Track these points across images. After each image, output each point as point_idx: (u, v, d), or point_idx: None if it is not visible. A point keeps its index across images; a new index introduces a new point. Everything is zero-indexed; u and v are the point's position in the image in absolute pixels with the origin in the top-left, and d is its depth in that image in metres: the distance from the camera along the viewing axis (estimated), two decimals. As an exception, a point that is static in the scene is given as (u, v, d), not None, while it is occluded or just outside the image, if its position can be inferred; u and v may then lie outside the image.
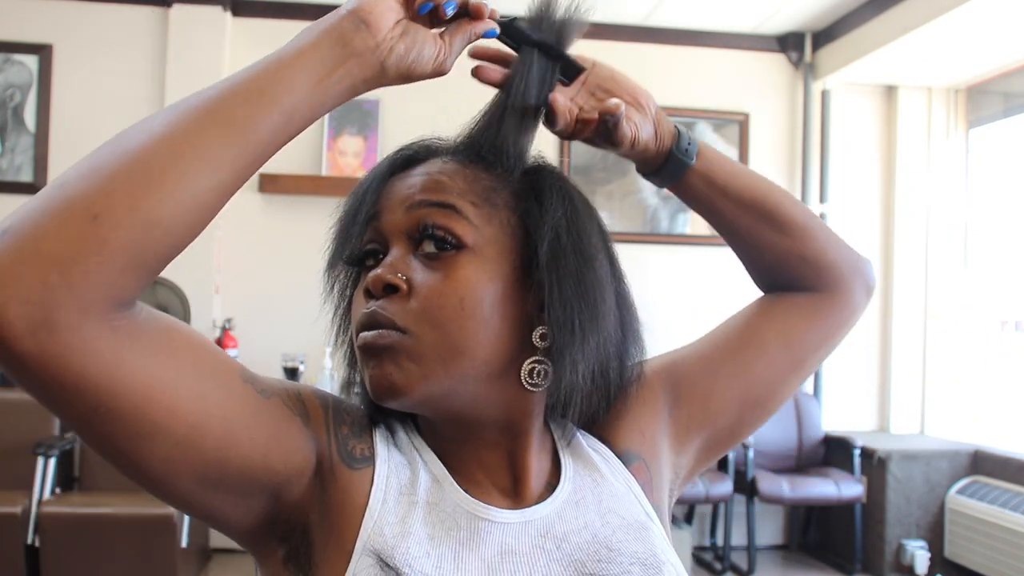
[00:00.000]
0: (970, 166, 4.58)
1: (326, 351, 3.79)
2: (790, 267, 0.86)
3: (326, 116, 4.31)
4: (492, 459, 0.73)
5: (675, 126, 0.83)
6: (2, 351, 0.51)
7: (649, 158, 0.82)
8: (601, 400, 0.75)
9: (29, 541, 3.32)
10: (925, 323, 4.58)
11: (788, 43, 4.61)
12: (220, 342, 4.13)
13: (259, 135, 0.59)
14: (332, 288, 0.77)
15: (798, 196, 4.64)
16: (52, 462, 3.49)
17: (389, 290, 0.68)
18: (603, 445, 0.79)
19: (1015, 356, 4.44)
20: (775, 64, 4.67)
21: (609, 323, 0.72)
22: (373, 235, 0.72)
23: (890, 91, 4.65)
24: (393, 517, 0.67)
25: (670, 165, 0.82)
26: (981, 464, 4.05)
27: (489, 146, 0.73)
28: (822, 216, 4.56)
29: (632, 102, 0.79)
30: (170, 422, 0.57)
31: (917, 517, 4.08)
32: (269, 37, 4.37)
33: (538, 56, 0.75)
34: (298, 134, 0.63)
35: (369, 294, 0.69)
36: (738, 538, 4.28)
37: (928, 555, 4.01)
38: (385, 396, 0.68)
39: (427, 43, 0.67)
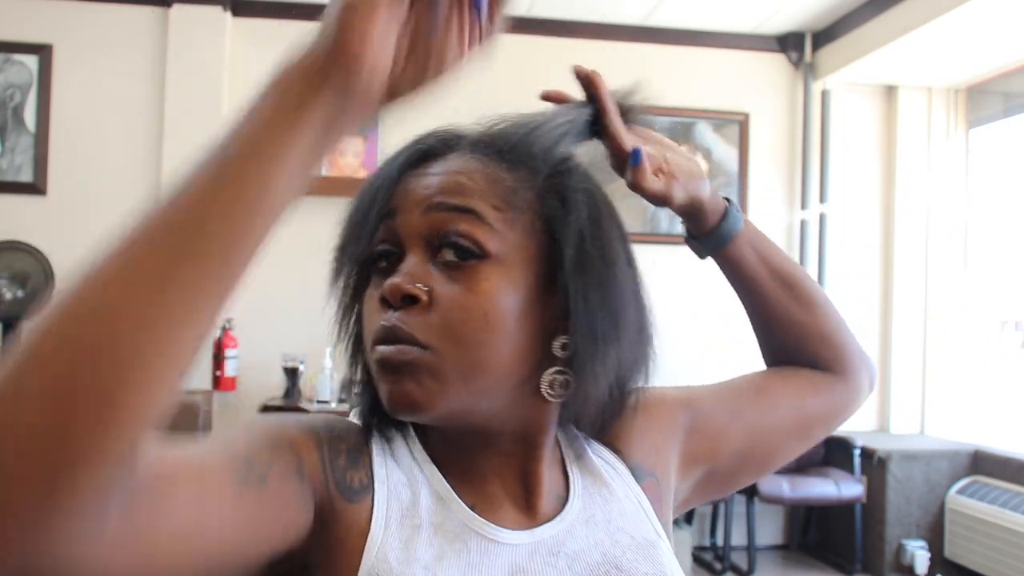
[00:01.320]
0: (970, 166, 4.58)
1: (326, 351, 3.79)
2: (810, 345, 0.89)
3: (326, 116, 4.33)
4: (505, 469, 0.71)
5: (725, 197, 0.86)
6: None
7: (703, 216, 0.84)
8: (616, 409, 0.74)
9: (29, 541, 3.32)
10: (925, 323, 4.58)
11: (788, 43, 4.61)
12: (220, 342, 4.13)
13: (245, 255, 0.46)
14: (338, 284, 0.73)
15: (798, 196, 4.64)
16: (52, 462, 3.48)
17: (409, 301, 0.64)
18: (614, 456, 0.78)
19: (1015, 356, 4.44)
20: (775, 64, 4.67)
21: (631, 331, 0.70)
22: (387, 235, 0.68)
23: (890, 91, 4.65)
24: (396, 542, 0.64)
25: (725, 224, 0.85)
26: (981, 464, 4.05)
27: (517, 146, 0.69)
28: (822, 217, 4.56)
29: (676, 151, 0.81)
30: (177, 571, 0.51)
31: (917, 517, 4.08)
32: (269, 37, 4.37)
33: (591, 113, 0.76)
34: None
35: (386, 302, 0.65)
36: (738, 538, 4.28)
37: (928, 555, 4.01)
38: (403, 412, 0.65)
39: (446, 47, 0.53)
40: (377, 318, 0.66)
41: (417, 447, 0.71)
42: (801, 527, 4.56)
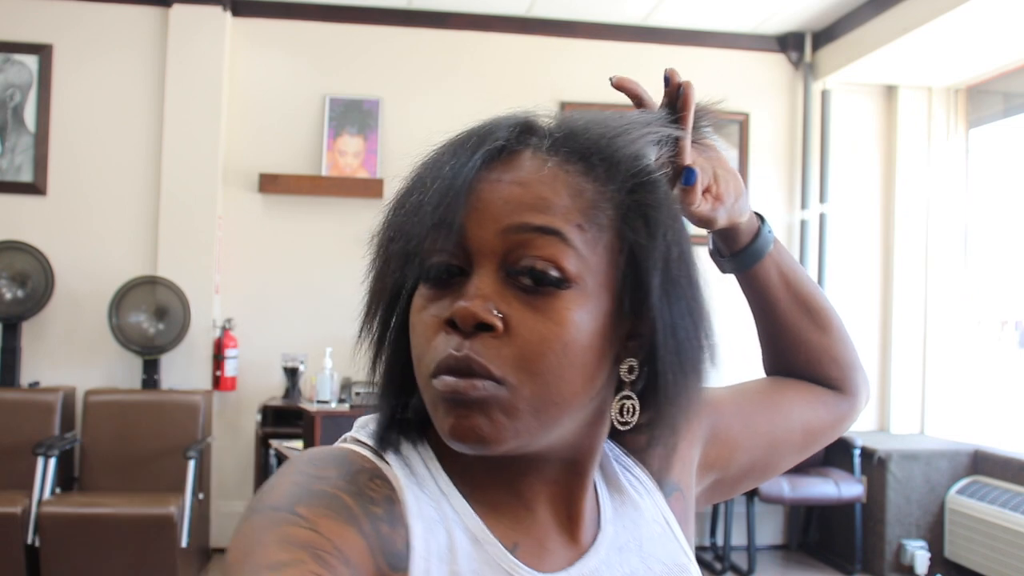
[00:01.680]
0: (970, 166, 4.58)
1: (326, 351, 3.79)
2: (821, 365, 0.89)
3: (326, 116, 4.33)
4: (551, 497, 0.66)
5: (757, 213, 0.84)
6: None
7: (736, 237, 0.82)
8: (679, 437, 0.70)
9: (29, 541, 3.32)
10: (925, 323, 4.58)
11: (788, 43, 4.61)
12: (220, 342, 4.13)
13: None
14: (377, 278, 0.65)
15: (798, 196, 4.64)
16: (52, 462, 3.49)
17: (482, 328, 0.58)
18: (640, 468, 0.74)
19: (1015, 356, 4.44)
20: (775, 64, 4.67)
21: (710, 356, 0.65)
22: (452, 246, 0.60)
23: (890, 91, 4.65)
24: None
25: (759, 242, 0.83)
26: (981, 464, 4.05)
27: (602, 150, 0.62)
28: (822, 216, 4.56)
29: (726, 168, 0.78)
30: None
31: (917, 517, 4.08)
32: (269, 37, 4.37)
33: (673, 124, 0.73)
34: None
35: (453, 325, 0.58)
36: (738, 538, 4.28)
37: (928, 555, 4.01)
38: (468, 447, 0.59)
39: None
40: (441, 342, 0.59)
41: (441, 475, 0.64)
42: (801, 527, 4.56)
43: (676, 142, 0.71)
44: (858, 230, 4.60)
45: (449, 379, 0.58)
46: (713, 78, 4.57)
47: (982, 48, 4.03)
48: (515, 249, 0.59)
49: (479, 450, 0.59)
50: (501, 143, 0.62)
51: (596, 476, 0.70)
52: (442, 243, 0.60)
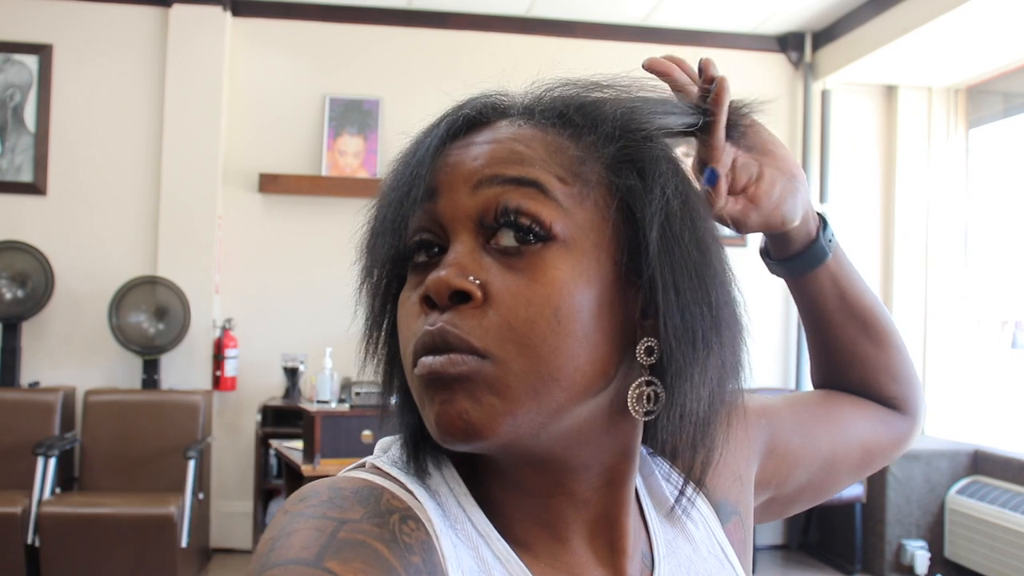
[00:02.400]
0: (970, 166, 4.58)
1: (326, 351, 3.79)
2: (879, 381, 0.82)
3: (326, 116, 4.33)
4: (587, 524, 0.58)
5: (819, 214, 0.75)
6: None
7: (786, 242, 0.74)
8: (715, 436, 0.59)
9: (29, 541, 3.32)
10: (925, 323, 4.58)
11: (788, 43, 4.61)
12: (220, 342, 4.13)
13: None
14: (367, 288, 0.59)
15: (798, 196, 4.64)
16: (52, 462, 3.49)
17: (458, 298, 0.51)
18: (693, 489, 0.64)
19: (1015, 356, 4.44)
20: (775, 64, 4.67)
21: (732, 332, 0.57)
22: (427, 221, 0.55)
23: (890, 91, 4.65)
24: None
25: (813, 251, 0.74)
26: (981, 464, 4.05)
27: (584, 106, 0.57)
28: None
29: (780, 169, 0.68)
30: None
31: (917, 517, 4.08)
32: (269, 37, 4.37)
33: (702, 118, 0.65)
34: None
35: (430, 302, 0.52)
36: (738, 538, 4.29)
37: (928, 555, 4.01)
38: (458, 439, 0.51)
39: None
40: (419, 324, 0.53)
41: (477, 513, 0.56)
42: (801, 527, 4.56)
43: (707, 142, 0.64)
44: (858, 230, 4.60)
45: (427, 359, 0.51)
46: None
47: (982, 48, 4.03)
48: (490, 207, 0.53)
49: (470, 442, 0.51)
50: (472, 112, 0.57)
51: (645, 500, 0.63)
52: (418, 222, 0.55)
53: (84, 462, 3.82)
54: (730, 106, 0.65)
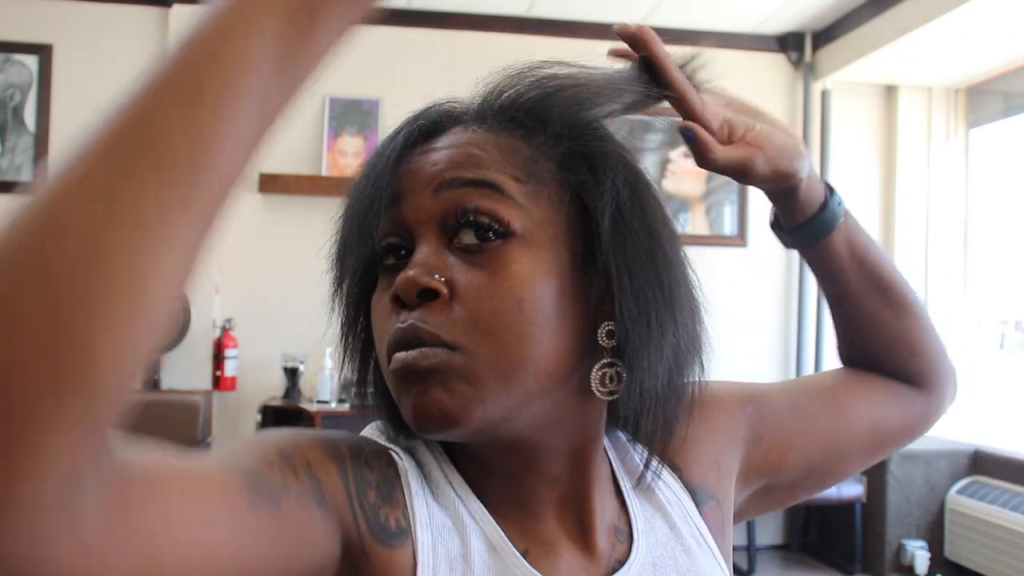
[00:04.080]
0: (970, 166, 4.58)
1: (326, 351, 3.79)
2: (898, 354, 0.80)
3: (326, 116, 4.33)
4: (557, 501, 0.61)
5: (826, 182, 0.76)
6: None
7: (794, 205, 0.73)
8: (677, 408, 0.63)
9: (29, 541, 3.32)
10: (925, 323, 4.58)
11: (788, 43, 4.61)
12: (220, 342, 4.13)
13: (216, 167, 0.38)
14: (340, 294, 0.63)
15: (798, 196, 4.64)
16: (52, 462, 3.48)
17: (426, 296, 0.55)
18: (670, 475, 0.68)
19: (1015, 356, 4.44)
20: (775, 64, 4.67)
21: (685, 312, 0.60)
22: (392, 226, 0.59)
23: (890, 91, 4.65)
24: None
25: (824, 215, 0.74)
26: (981, 464, 4.05)
27: (532, 109, 0.60)
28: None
29: (776, 127, 0.70)
30: None
31: (917, 517, 4.08)
32: (269, 37, 4.37)
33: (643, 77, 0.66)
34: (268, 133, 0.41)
35: (400, 302, 0.55)
36: (738, 538, 4.28)
37: (928, 555, 4.01)
38: (434, 427, 0.55)
39: None
40: (391, 323, 0.56)
41: (456, 478, 0.60)
42: (801, 527, 4.56)
43: (676, 90, 0.65)
44: (858, 230, 4.60)
45: (400, 355, 0.55)
46: (713, 78, 4.57)
47: (982, 48, 4.03)
48: (451, 209, 0.57)
49: (446, 430, 0.55)
50: (427, 122, 0.61)
51: (623, 480, 0.66)
52: (385, 228, 0.59)
53: (84, 462, 3.82)
54: (681, 60, 0.67)
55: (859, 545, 4.14)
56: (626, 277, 0.57)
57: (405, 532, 0.55)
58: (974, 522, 3.88)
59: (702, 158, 0.65)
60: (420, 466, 0.60)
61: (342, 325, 0.64)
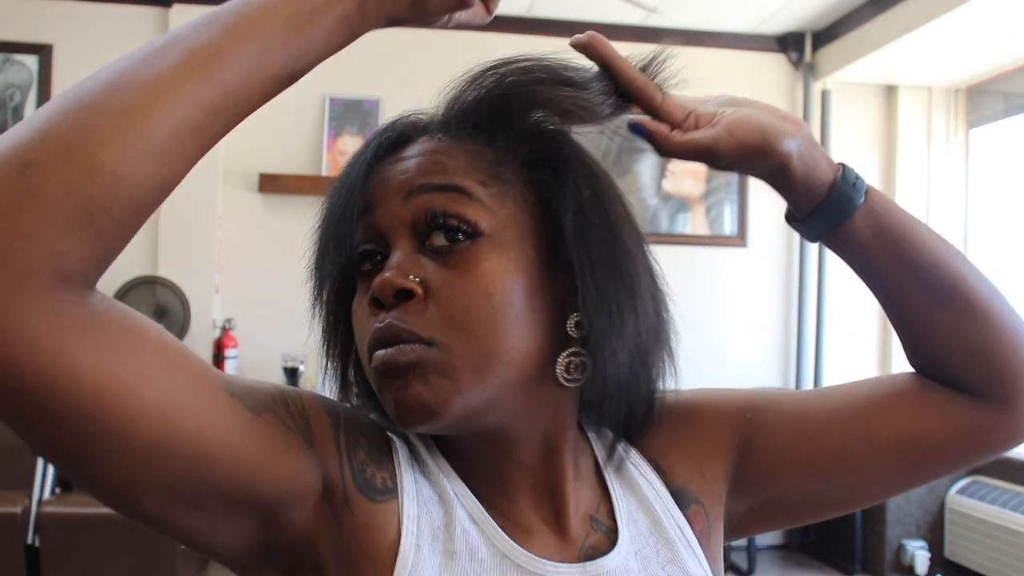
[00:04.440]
0: (970, 166, 4.58)
1: (326, 351, 3.79)
2: (954, 358, 0.68)
3: (326, 116, 4.33)
4: (532, 487, 0.64)
5: (841, 164, 0.68)
6: None
7: (795, 189, 0.66)
8: (642, 396, 0.65)
9: (29, 541, 3.33)
10: (925, 323, 4.58)
11: (788, 43, 4.61)
12: (220, 342, 4.13)
13: (232, 66, 0.50)
14: (320, 301, 0.66)
15: (798, 196, 4.64)
16: (52, 462, 3.49)
17: (402, 296, 0.58)
18: (652, 471, 0.69)
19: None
20: (775, 64, 4.67)
21: (647, 302, 0.63)
22: (367, 234, 0.62)
23: (890, 91, 4.65)
24: (430, 568, 0.57)
25: (835, 196, 0.66)
26: (981, 464, 4.05)
27: (492, 116, 0.63)
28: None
29: (763, 110, 0.66)
30: (129, 433, 0.47)
31: (917, 517, 4.08)
32: (269, 37, 4.37)
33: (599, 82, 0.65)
34: (285, 80, 0.53)
35: (378, 304, 0.58)
36: (738, 538, 4.28)
37: (928, 555, 4.01)
38: (415, 420, 0.57)
39: None
40: (370, 324, 0.59)
41: (442, 462, 0.63)
42: (801, 527, 4.56)
43: (639, 97, 0.65)
44: (858, 230, 4.60)
45: (380, 353, 0.58)
46: (713, 78, 4.57)
47: (982, 48, 4.03)
48: (421, 214, 0.60)
49: (427, 422, 0.58)
50: (394, 134, 0.65)
51: (607, 470, 0.67)
52: (360, 235, 0.62)
53: (84, 462, 3.82)
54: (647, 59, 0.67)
55: (859, 545, 4.14)
56: (588, 270, 0.60)
57: (392, 492, 0.59)
58: (974, 522, 3.88)
59: (657, 147, 0.65)
60: (411, 449, 0.64)
61: (323, 331, 0.67)
